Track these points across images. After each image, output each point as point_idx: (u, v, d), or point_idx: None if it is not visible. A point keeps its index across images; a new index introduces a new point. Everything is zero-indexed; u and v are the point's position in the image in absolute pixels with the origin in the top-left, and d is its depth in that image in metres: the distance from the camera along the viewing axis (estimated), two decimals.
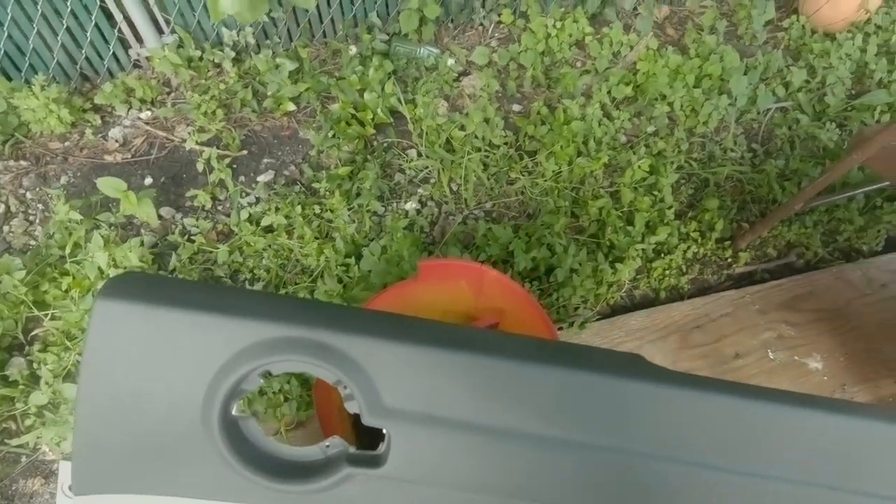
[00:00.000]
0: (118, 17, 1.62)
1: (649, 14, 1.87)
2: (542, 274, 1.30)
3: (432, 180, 1.53)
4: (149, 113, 1.69)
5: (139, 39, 1.71)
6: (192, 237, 1.37)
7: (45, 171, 1.55)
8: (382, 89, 1.64)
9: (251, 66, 1.71)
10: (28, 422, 1.09)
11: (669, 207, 1.42)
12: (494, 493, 0.50)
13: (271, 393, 1.06)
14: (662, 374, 0.55)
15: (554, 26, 1.85)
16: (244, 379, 0.50)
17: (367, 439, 0.57)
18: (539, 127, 1.59)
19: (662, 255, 1.34)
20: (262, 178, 1.55)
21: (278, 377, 1.07)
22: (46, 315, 1.21)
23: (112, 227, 1.38)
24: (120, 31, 1.65)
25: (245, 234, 1.36)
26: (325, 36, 1.88)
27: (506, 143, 1.56)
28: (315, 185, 1.46)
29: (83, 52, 1.63)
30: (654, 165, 1.50)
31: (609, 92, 1.70)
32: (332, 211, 1.39)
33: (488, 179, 1.52)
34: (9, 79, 1.57)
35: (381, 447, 0.53)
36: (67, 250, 1.26)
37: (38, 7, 1.48)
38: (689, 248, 1.36)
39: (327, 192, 1.44)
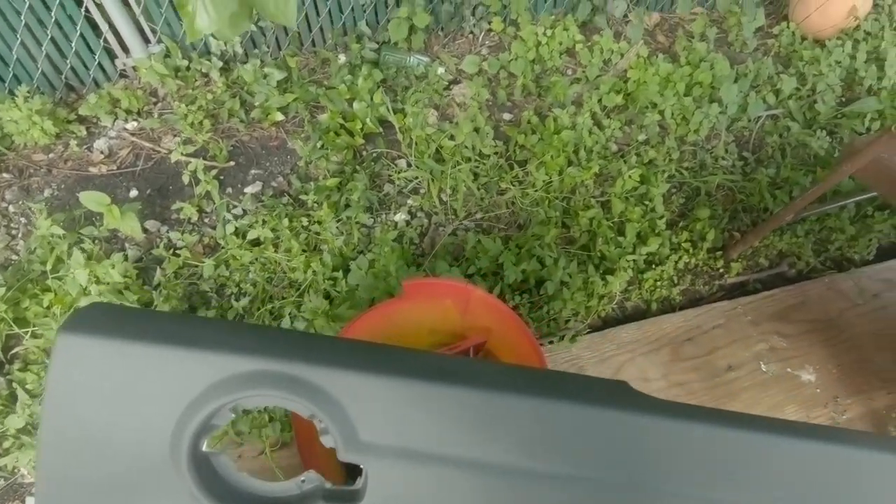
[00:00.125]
0: (103, 27, 1.60)
1: (639, 22, 1.87)
2: (533, 286, 1.28)
3: (422, 191, 1.52)
4: (135, 123, 1.67)
5: (125, 49, 1.69)
6: (178, 251, 1.35)
7: (29, 184, 1.53)
8: (372, 99, 1.62)
9: (239, 76, 1.69)
10: (6, 444, 1.07)
11: (661, 217, 1.41)
12: None
13: (256, 412, 1.04)
14: (647, 402, 0.53)
15: (544, 34, 1.85)
16: (215, 414, 0.49)
17: (351, 465, 0.55)
18: (529, 136, 1.58)
19: (654, 265, 1.33)
20: (249, 190, 1.53)
21: None
22: (27, 333, 1.18)
23: (96, 242, 1.36)
24: (105, 40, 1.63)
25: (231, 247, 1.34)
26: (314, 45, 1.87)
27: (496, 153, 1.55)
28: (303, 197, 1.44)
29: (68, 62, 1.61)
30: (645, 175, 1.49)
31: (600, 100, 1.69)
32: (319, 223, 1.37)
33: (478, 190, 1.50)
34: None
35: (360, 481, 0.51)
36: (49, 266, 1.23)
37: (22, 18, 1.46)
38: (680, 258, 1.35)
39: (315, 204, 1.43)
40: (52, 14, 1.49)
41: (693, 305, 1.31)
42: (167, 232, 1.43)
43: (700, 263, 1.37)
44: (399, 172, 1.52)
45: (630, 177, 1.42)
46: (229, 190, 1.54)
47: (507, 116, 1.75)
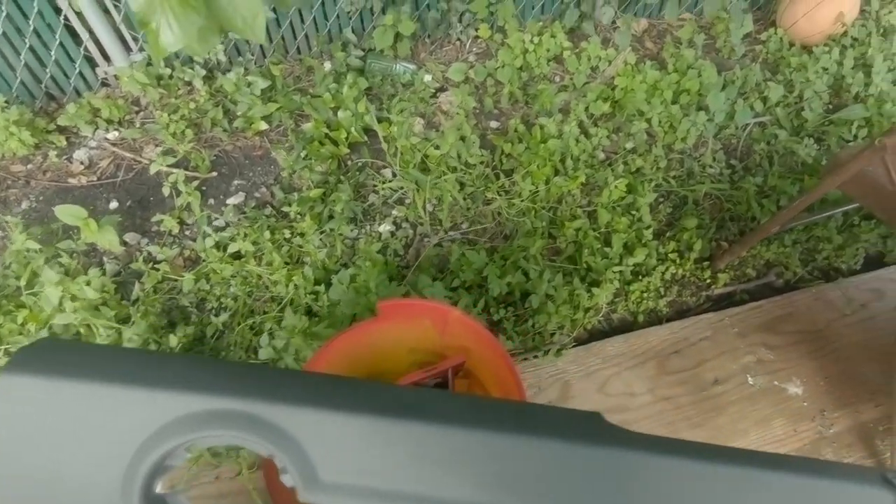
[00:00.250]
0: (83, 35, 1.58)
1: (627, 28, 1.86)
2: (518, 299, 1.27)
3: (407, 201, 1.50)
4: (116, 133, 1.64)
5: (106, 58, 1.67)
6: (157, 265, 1.33)
7: (6, 196, 1.50)
8: (357, 107, 1.60)
9: (223, 85, 1.67)
10: None
11: (647, 227, 1.39)
12: None
13: None
14: (619, 436, 0.52)
15: (531, 41, 1.83)
16: (169, 455, 0.47)
17: None
18: (516, 145, 1.57)
19: (640, 276, 1.32)
20: (231, 201, 1.51)
21: None
22: (0, 350, 1.15)
23: (74, 256, 1.33)
24: (86, 49, 1.60)
25: (212, 260, 1.31)
26: (299, 52, 1.85)
27: (482, 163, 1.53)
28: (286, 209, 1.42)
29: (47, 71, 1.59)
30: (632, 184, 1.48)
31: (587, 108, 1.68)
32: (302, 235, 1.35)
33: (464, 200, 1.49)
34: None
35: None
36: (23, 282, 1.21)
37: None
38: (667, 269, 1.33)
39: (298, 216, 1.41)
40: (31, 22, 1.47)
41: (680, 317, 1.29)
42: (147, 245, 1.41)
43: (687, 274, 1.36)
44: (384, 183, 1.50)
45: (616, 187, 1.41)
46: (211, 201, 1.51)
47: (494, 124, 1.73)
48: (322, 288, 1.24)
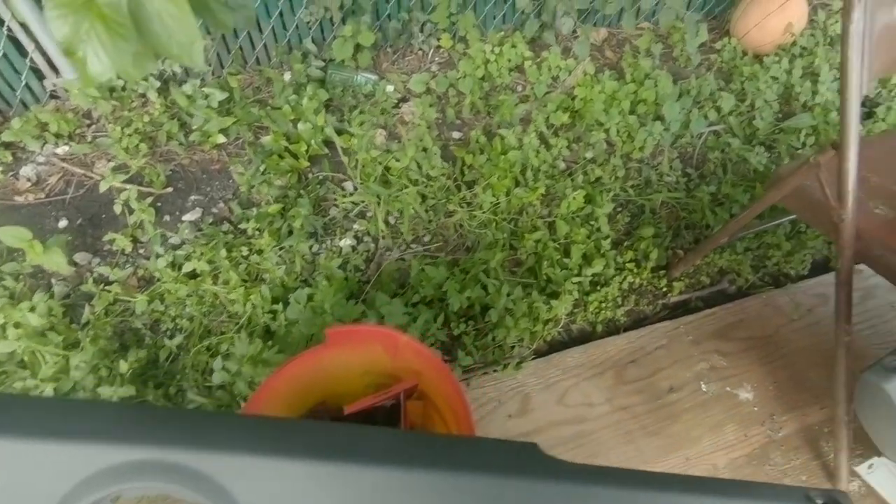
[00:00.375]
0: (29, 46, 1.52)
1: (586, 39, 1.88)
2: (478, 313, 1.27)
3: (368, 214, 1.49)
4: (66, 148, 1.59)
5: (55, 69, 1.61)
6: (109, 286, 1.29)
7: None
8: (317, 119, 1.58)
9: (178, 98, 1.63)
10: None
11: (606, 237, 1.42)
12: None
13: None
14: (555, 468, 0.52)
15: (493, 52, 1.84)
16: None
17: None
18: (478, 156, 1.57)
19: (599, 287, 1.34)
20: (188, 217, 1.48)
21: None
22: None
23: (19, 279, 1.28)
24: (32, 61, 1.55)
25: (167, 280, 1.28)
26: (258, 63, 1.82)
27: (444, 174, 1.54)
28: (243, 226, 1.40)
29: None
30: (591, 194, 1.50)
31: (547, 119, 1.70)
32: (259, 253, 1.33)
33: (426, 212, 1.49)
34: None
35: None
36: None
37: None
38: (624, 278, 1.36)
39: (256, 232, 1.38)
40: None
41: (637, 326, 1.32)
42: (99, 265, 1.36)
43: (644, 283, 1.39)
44: (345, 197, 1.49)
45: (575, 198, 1.43)
46: (167, 218, 1.48)
47: (456, 135, 1.74)
48: (280, 307, 1.22)
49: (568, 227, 1.40)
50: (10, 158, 1.53)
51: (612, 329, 1.33)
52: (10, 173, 1.52)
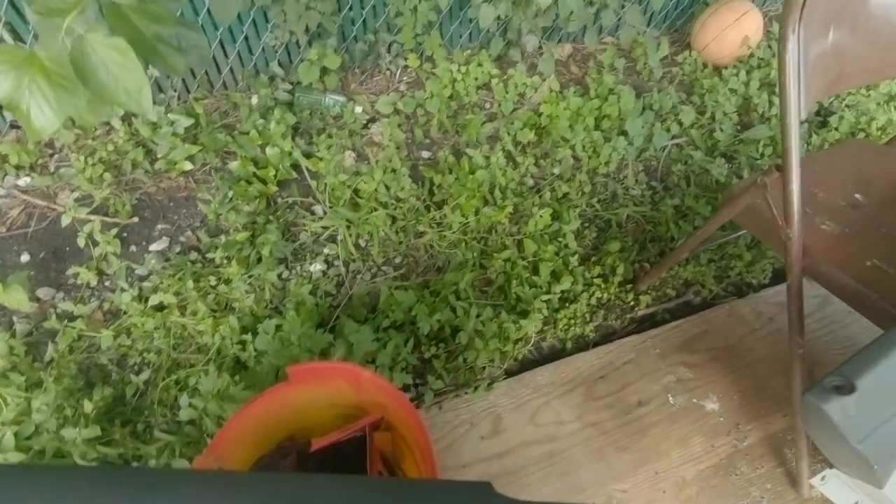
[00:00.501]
0: None
1: (551, 56, 1.92)
2: (448, 335, 1.28)
3: (339, 238, 1.49)
4: (27, 179, 1.56)
5: None
6: (73, 321, 1.27)
7: None
8: (284, 144, 1.58)
9: (141, 127, 1.61)
10: None
11: (574, 254, 1.44)
12: None
13: None
14: None
15: (459, 71, 1.87)
16: None
17: None
18: (446, 176, 1.59)
19: (567, 303, 1.36)
20: (155, 247, 1.46)
21: None
22: None
23: None
24: None
25: (133, 314, 1.27)
26: (225, 87, 1.81)
27: (413, 195, 1.55)
28: (210, 255, 1.39)
29: None
30: (558, 211, 1.53)
31: (514, 136, 1.72)
32: (227, 282, 1.32)
33: (396, 234, 1.49)
34: None
35: None
36: None
37: None
38: (592, 294, 1.38)
39: (224, 261, 1.38)
40: None
41: (607, 341, 1.34)
42: (63, 300, 1.34)
43: (612, 298, 1.42)
44: (314, 222, 1.49)
45: (542, 216, 1.45)
46: (133, 248, 1.46)
47: (425, 154, 1.75)
48: (249, 337, 1.21)
49: (536, 246, 1.42)
50: None
51: (582, 345, 1.35)
52: None
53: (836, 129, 1.85)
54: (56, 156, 1.63)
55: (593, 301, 1.39)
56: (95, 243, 1.40)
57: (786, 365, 1.02)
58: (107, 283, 1.39)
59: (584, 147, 1.71)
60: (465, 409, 1.19)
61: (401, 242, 1.49)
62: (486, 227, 1.50)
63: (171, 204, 1.56)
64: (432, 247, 1.49)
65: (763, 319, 1.38)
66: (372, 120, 1.81)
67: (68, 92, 0.60)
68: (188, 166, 1.59)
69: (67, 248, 1.44)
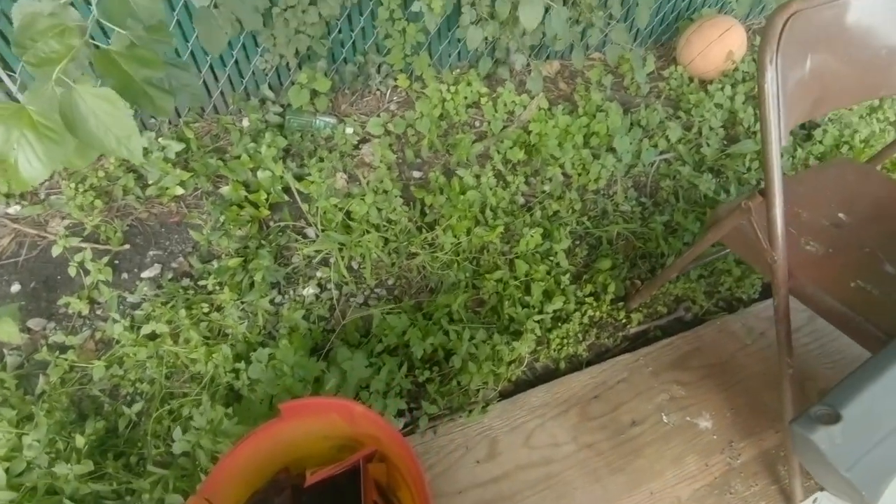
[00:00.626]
0: None
1: (539, 74, 1.94)
2: (442, 358, 1.29)
3: (332, 260, 1.50)
4: (18, 208, 1.56)
5: None
6: (65, 352, 1.26)
7: None
8: (276, 167, 1.59)
9: None
10: None
11: (565, 272, 1.45)
12: None
13: None
14: None
15: (449, 90, 1.89)
16: None
17: None
18: (437, 196, 1.60)
19: (560, 323, 1.37)
20: (147, 274, 1.46)
21: None
22: None
23: None
24: None
25: (125, 343, 1.26)
26: (216, 111, 1.82)
27: (405, 217, 1.55)
28: (202, 282, 1.39)
29: None
30: (549, 230, 1.54)
31: (504, 155, 1.74)
32: (220, 309, 1.32)
33: (388, 256, 1.50)
34: None
35: None
36: None
37: None
38: (584, 312, 1.39)
39: (217, 287, 1.37)
40: None
41: (599, 359, 1.35)
42: (54, 330, 1.33)
43: (604, 316, 1.43)
44: (307, 246, 1.49)
45: (533, 236, 1.46)
46: (125, 275, 1.46)
47: (416, 174, 1.76)
48: (243, 365, 1.21)
49: (528, 265, 1.43)
50: None
51: (576, 364, 1.36)
52: None
53: (821, 142, 1.88)
54: (46, 183, 1.63)
55: (585, 320, 1.40)
56: (87, 272, 1.39)
57: (777, 381, 1.03)
58: (98, 312, 1.38)
59: (573, 165, 1.73)
60: (459, 432, 1.19)
61: (393, 264, 1.50)
62: (478, 247, 1.51)
63: (163, 230, 1.56)
64: (425, 268, 1.49)
65: (754, 335, 1.39)
66: (363, 141, 1.82)
67: (57, 143, 0.61)
68: (180, 191, 1.59)
69: (59, 277, 1.44)
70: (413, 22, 1.79)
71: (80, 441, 1.07)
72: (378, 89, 1.95)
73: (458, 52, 2.00)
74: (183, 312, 1.29)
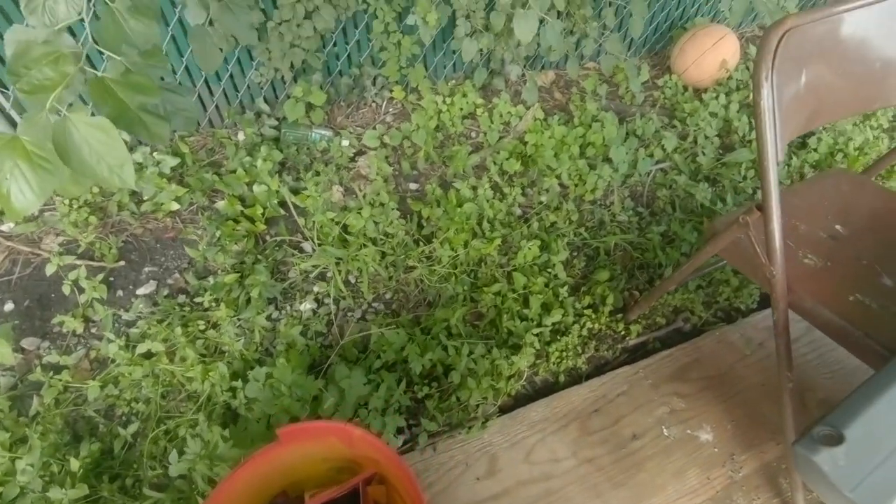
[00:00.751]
0: None
1: (534, 85, 1.95)
2: (441, 374, 1.28)
3: (329, 275, 1.49)
4: (11, 225, 1.54)
5: None
6: (59, 372, 1.24)
7: None
8: (272, 181, 1.58)
9: None
10: None
11: (563, 285, 1.45)
12: None
13: None
14: None
15: (444, 101, 1.89)
16: None
17: None
18: (434, 209, 1.59)
19: (559, 336, 1.36)
20: (142, 291, 1.45)
21: None
22: None
23: None
24: None
25: (121, 362, 1.25)
26: (211, 125, 1.82)
27: (402, 230, 1.55)
28: (199, 299, 1.37)
29: None
30: (546, 241, 1.54)
31: (500, 166, 1.74)
32: (216, 327, 1.31)
33: (386, 269, 1.49)
34: None
35: None
36: None
37: None
38: (583, 325, 1.39)
39: (213, 304, 1.36)
40: None
41: (599, 372, 1.34)
42: (49, 349, 1.32)
43: (603, 328, 1.42)
44: (303, 261, 1.48)
45: (530, 248, 1.46)
46: (120, 293, 1.44)
47: (413, 186, 1.76)
48: (240, 383, 1.20)
49: (526, 278, 1.42)
50: None
51: (575, 377, 1.35)
52: None
53: (815, 150, 1.89)
54: None
55: (584, 332, 1.39)
56: (81, 290, 1.38)
57: (777, 393, 1.02)
58: (93, 331, 1.37)
59: (569, 175, 1.73)
60: (459, 449, 1.18)
61: (391, 278, 1.49)
62: (476, 259, 1.50)
63: (158, 245, 1.55)
64: (422, 281, 1.49)
65: (753, 345, 1.39)
66: (359, 153, 1.82)
67: (50, 173, 0.60)
68: (175, 207, 1.58)
69: (53, 295, 1.42)
70: (408, 34, 1.79)
71: (74, 464, 1.05)
72: (374, 101, 1.94)
73: (454, 64, 2.00)
74: (179, 330, 1.28)
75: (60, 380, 1.23)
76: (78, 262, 1.45)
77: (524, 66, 2.00)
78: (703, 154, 1.84)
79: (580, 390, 1.29)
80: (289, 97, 1.78)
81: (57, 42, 0.63)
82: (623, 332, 1.43)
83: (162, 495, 1.02)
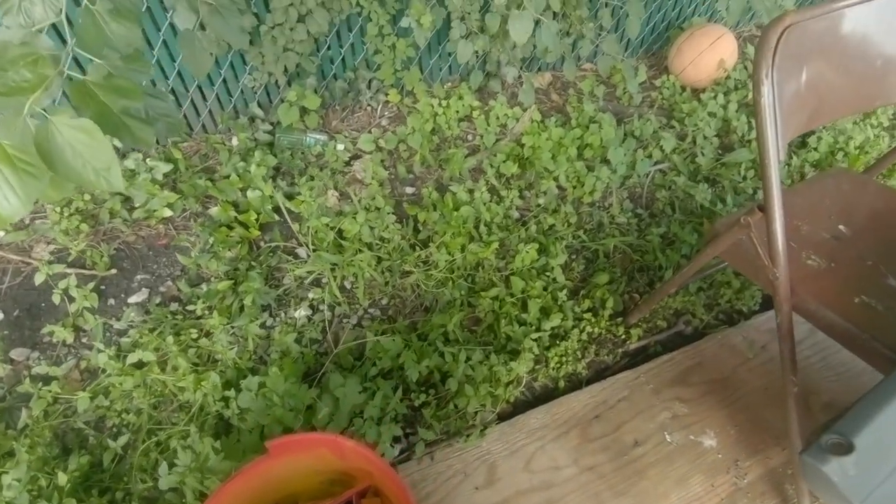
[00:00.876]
0: None
1: (530, 87, 1.93)
2: (438, 380, 1.25)
3: (324, 281, 1.47)
4: (1, 234, 1.52)
5: None
6: (48, 384, 1.22)
7: None
8: (266, 187, 1.56)
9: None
10: None
11: (562, 288, 1.42)
12: None
13: None
14: None
15: (440, 104, 1.87)
16: None
17: None
18: (431, 213, 1.57)
19: (558, 340, 1.34)
20: (134, 299, 1.42)
21: None
22: None
23: None
24: None
25: (111, 373, 1.22)
26: (204, 130, 1.80)
27: (398, 234, 1.53)
28: (191, 307, 1.35)
29: None
30: (545, 244, 1.51)
31: (497, 169, 1.72)
32: (208, 335, 1.29)
33: (381, 275, 1.47)
34: None
35: None
36: None
37: None
38: (583, 329, 1.36)
39: (206, 311, 1.34)
40: None
41: (599, 377, 1.32)
42: (38, 360, 1.29)
43: (603, 332, 1.40)
44: (298, 267, 1.46)
45: (528, 252, 1.43)
46: (111, 301, 1.42)
47: (409, 190, 1.74)
48: (233, 392, 1.17)
49: (524, 282, 1.40)
50: None
51: (575, 383, 1.33)
52: None
53: (816, 149, 1.87)
54: None
55: (584, 336, 1.37)
56: (72, 299, 1.36)
57: (781, 396, 1.00)
58: (84, 340, 1.34)
59: (567, 177, 1.71)
60: (457, 458, 1.16)
61: (387, 283, 1.47)
62: (473, 264, 1.48)
63: (151, 253, 1.53)
64: (419, 286, 1.46)
65: (755, 348, 1.37)
66: (354, 157, 1.80)
67: (35, 178, 0.58)
68: (168, 213, 1.56)
69: (43, 305, 1.40)
70: (403, 37, 1.77)
71: (62, 478, 1.03)
72: (369, 105, 1.93)
73: (449, 66, 1.99)
74: (171, 339, 1.25)
75: (50, 391, 1.21)
76: (69, 271, 1.43)
77: (520, 68, 1.99)
78: (703, 154, 1.82)
79: (580, 396, 1.27)
80: (283, 101, 1.76)
81: (35, 43, 0.61)
82: (623, 336, 1.41)
83: None
